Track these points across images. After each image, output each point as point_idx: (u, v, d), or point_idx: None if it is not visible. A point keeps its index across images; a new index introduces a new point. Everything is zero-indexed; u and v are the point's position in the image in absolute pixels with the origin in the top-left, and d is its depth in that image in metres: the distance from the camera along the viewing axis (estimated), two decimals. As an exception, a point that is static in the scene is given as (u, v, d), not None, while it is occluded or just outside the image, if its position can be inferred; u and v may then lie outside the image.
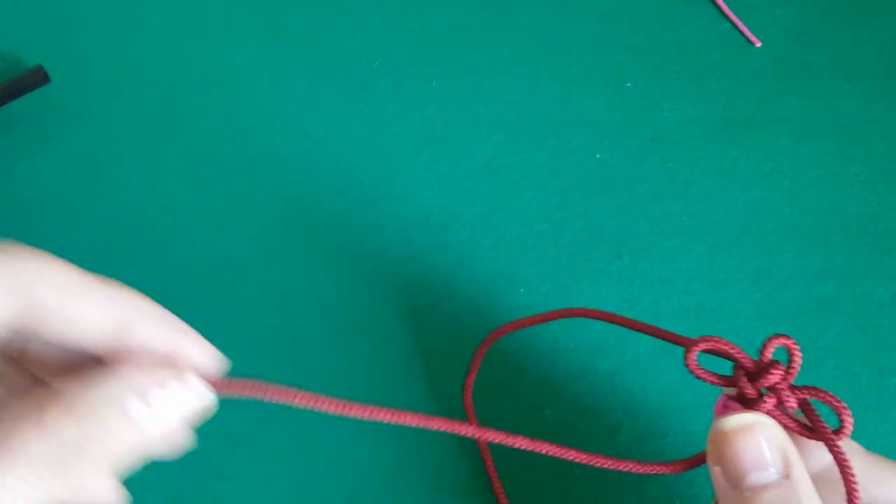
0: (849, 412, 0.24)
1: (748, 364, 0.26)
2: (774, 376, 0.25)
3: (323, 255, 0.43)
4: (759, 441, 0.24)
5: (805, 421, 0.26)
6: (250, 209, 0.44)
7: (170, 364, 0.23)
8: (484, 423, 0.39)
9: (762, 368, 0.26)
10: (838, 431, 0.25)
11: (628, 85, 0.48)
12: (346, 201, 0.44)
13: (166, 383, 0.23)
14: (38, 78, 0.46)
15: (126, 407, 0.21)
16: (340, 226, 0.44)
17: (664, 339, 0.28)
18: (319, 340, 0.41)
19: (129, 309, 0.23)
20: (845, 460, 0.24)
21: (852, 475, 0.24)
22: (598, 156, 0.46)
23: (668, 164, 0.45)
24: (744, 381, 0.26)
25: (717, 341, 0.26)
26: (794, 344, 0.26)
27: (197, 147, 0.46)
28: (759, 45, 0.49)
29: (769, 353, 0.26)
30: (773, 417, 0.25)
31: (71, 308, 0.22)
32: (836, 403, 0.25)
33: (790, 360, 0.26)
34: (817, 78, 0.48)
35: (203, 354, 0.25)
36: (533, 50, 0.49)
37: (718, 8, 0.50)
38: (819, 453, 0.26)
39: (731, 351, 0.26)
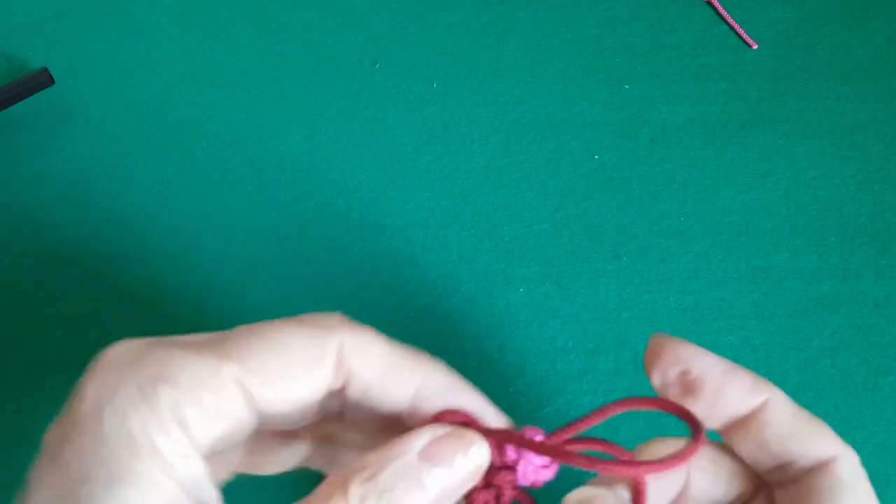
0: None
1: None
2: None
3: (323, 255, 0.43)
4: None
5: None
6: (252, 210, 0.44)
7: (461, 432, 0.24)
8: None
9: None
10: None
11: (626, 87, 0.48)
12: (347, 201, 0.45)
13: (457, 452, 0.24)
14: (42, 80, 0.46)
15: (423, 481, 0.23)
16: (340, 226, 0.44)
17: None
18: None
19: (431, 380, 0.25)
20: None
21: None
22: (596, 157, 0.46)
23: (665, 165, 0.46)
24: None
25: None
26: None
27: (199, 148, 0.46)
28: (755, 47, 0.49)
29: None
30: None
31: (377, 386, 0.24)
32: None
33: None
34: (814, 79, 0.48)
35: (492, 419, 0.26)
36: (533, 51, 0.49)
37: (715, 10, 0.50)
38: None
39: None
